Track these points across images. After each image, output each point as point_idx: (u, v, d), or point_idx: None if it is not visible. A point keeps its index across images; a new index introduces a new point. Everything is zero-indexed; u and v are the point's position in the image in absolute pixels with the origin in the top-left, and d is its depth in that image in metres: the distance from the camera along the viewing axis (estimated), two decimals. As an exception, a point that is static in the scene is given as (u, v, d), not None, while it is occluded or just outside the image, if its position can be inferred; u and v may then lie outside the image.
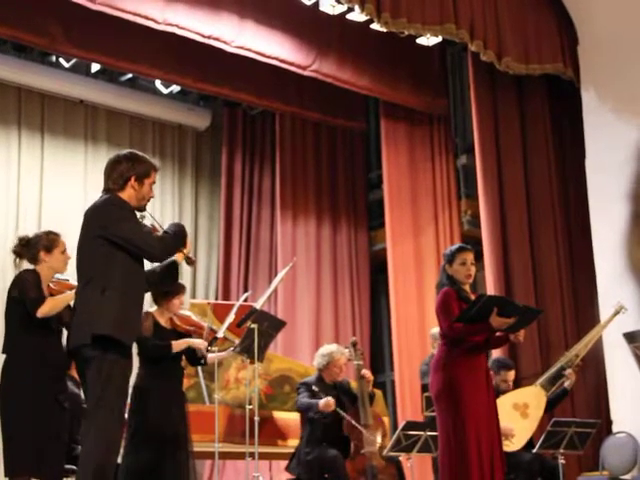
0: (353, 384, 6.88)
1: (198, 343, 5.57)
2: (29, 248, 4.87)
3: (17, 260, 4.92)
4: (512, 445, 6.13)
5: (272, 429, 7.24)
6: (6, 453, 4.68)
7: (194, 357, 5.68)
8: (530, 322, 5.09)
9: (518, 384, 6.84)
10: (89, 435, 3.98)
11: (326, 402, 6.32)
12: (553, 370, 6.58)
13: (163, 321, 5.54)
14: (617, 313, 6.80)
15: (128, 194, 4.21)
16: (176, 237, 4.27)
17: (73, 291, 4.50)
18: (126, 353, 4.08)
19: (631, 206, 8.09)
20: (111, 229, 4.09)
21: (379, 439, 6.56)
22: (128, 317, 4.08)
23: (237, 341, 6.36)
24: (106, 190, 4.25)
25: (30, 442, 4.60)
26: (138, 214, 4.31)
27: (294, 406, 7.27)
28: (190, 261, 4.45)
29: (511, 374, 6.60)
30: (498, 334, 5.03)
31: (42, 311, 4.67)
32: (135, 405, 5.38)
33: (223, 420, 6.83)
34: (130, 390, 4.43)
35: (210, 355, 5.96)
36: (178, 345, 5.45)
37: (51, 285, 4.90)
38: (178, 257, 4.37)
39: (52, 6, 7.77)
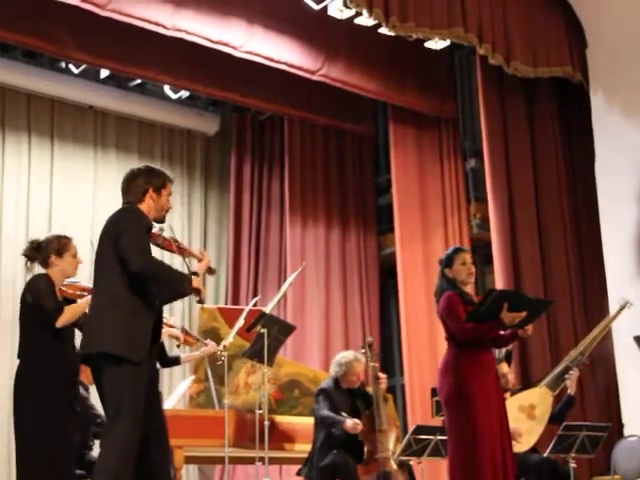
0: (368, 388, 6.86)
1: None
2: (40, 251, 4.87)
3: (29, 263, 4.93)
4: (518, 445, 6.08)
5: (282, 434, 7.23)
6: (19, 458, 4.69)
7: (165, 358, 5.67)
8: (540, 314, 5.02)
9: (530, 386, 6.79)
10: (106, 445, 4.00)
11: (354, 425, 6.27)
12: (559, 369, 6.53)
13: None
14: (622, 308, 6.76)
15: (147, 205, 4.26)
16: (168, 271, 4.15)
17: (89, 298, 4.51)
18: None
19: (640, 209, 8.08)
20: (118, 235, 4.12)
21: (392, 444, 6.53)
22: (138, 334, 4.09)
23: (208, 340, 6.29)
24: (125, 203, 4.30)
25: (44, 448, 4.60)
26: (157, 226, 4.35)
27: (305, 411, 7.26)
28: (211, 271, 4.51)
29: (503, 366, 6.55)
30: (505, 332, 4.99)
31: (62, 321, 4.67)
32: None
33: (233, 425, 6.81)
34: None
35: (184, 356, 5.95)
36: None
37: (63, 288, 4.90)
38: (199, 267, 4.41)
39: (61, 12, 7.79)
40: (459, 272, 5.03)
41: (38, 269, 4.94)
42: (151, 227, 4.28)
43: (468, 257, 5.09)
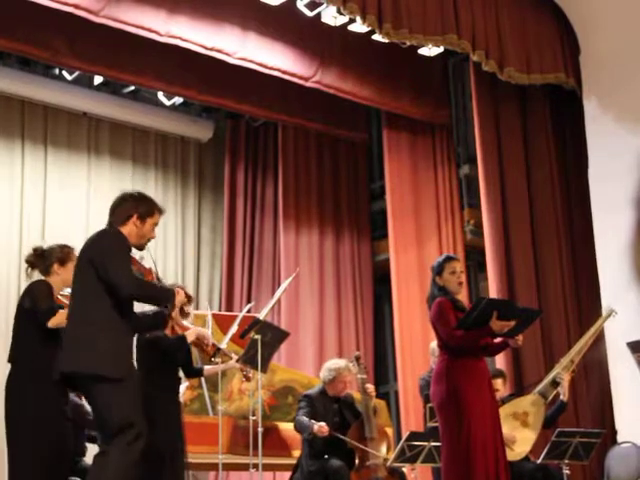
0: (356, 395, 6.86)
1: (204, 331, 5.55)
2: (43, 259, 4.91)
3: (29, 270, 4.95)
4: (514, 453, 6.09)
5: (276, 440, 7.23)
6: (11, 463, 4.68)
7: (190, 368, 5.67)
8: (530, 324, 5.05)
9: (523, 393, 6.80)
10: (109, 456, 3.99)
11: (320, 428, 6.29)
12: (549, 378, 6.56)
13: (167, 330, 5.52)
14: (608, 317, 6.80)
15: (129, 230, 4.30)
16: (156, 288, 4.31)
17: None
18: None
19: (635, 214, 8.09)
20: (97, 259, 4.15)
21: (384, 451, 6.54)
22: (121, 351, 4.15)
23: (234, 355, 6.30)
24: (109, 224, 4.35)
25: (35, 453, 4.59)
26: (138, 254, 4.39)
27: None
28: (189, 299, 4.70)
29: (498, 382, 6.56)
30: (496, 340, 5.01)
31: (53, 322, 4.68)
32: None
33: (227, 431, 6.81)
34: None
35: (207, 367, 5.95)
36: (190, 334, 5.37)
37: (60, 297, 4.91)
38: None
39: (55, 19, 7.78)
40: (449, 281, 5.06)
41: (37, 276, 4.96)
42: (130, 249, 4.30)
43: (458, 266, 5.10)
